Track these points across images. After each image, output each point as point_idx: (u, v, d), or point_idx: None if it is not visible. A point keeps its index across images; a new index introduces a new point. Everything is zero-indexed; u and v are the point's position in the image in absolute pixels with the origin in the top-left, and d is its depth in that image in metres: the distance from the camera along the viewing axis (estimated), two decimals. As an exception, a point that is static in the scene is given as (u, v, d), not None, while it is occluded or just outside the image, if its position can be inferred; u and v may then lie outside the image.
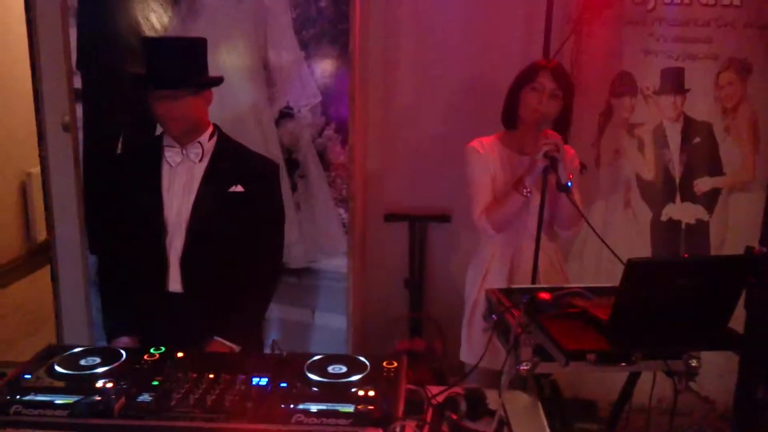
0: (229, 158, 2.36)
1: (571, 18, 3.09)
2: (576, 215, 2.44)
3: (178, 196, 2.30)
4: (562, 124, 2.54)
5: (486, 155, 2.60)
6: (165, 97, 2.21)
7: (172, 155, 2.31)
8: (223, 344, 2.25)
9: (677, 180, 3.20)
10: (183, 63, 2.24)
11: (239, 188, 2.31)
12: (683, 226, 3.23)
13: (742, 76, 3.11)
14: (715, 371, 2.99)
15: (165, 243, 2.30)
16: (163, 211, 2.29)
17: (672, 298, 1.72)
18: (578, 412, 3.23)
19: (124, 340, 2.32)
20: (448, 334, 3.39)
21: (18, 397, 1.71)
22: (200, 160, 2.32)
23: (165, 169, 2.32)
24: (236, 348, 2.27)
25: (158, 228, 2.30)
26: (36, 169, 5.15)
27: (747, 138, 3.16)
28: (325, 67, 3.09)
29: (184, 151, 2.31)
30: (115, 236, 2.42)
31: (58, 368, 1.85)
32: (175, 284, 2.32)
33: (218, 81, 2.37)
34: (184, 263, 2.30)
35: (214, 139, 2.36)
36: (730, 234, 3.20)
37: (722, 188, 3.20)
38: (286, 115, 3.13)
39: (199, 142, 2.32)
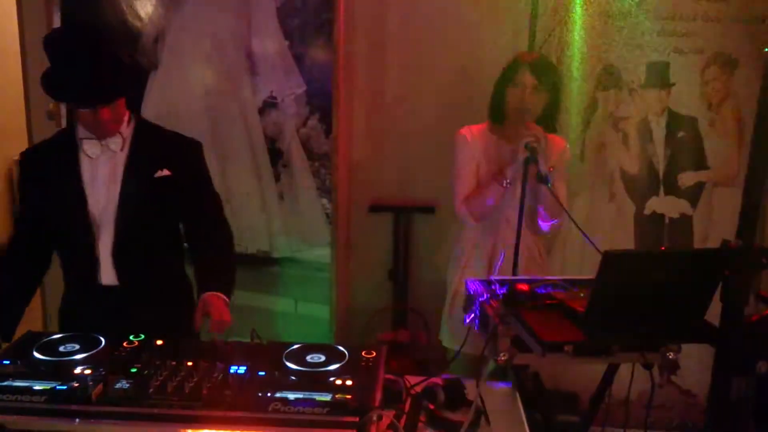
0: (151, 142, 2.26)
1: (557, 10, 3.09)
2: (557, 207, 2.45)
3: (103, 188, 2.20)
4: (549, 116, 2.55)
5: (473, 143, 2.60)
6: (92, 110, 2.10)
7: (90, 147, 2.18)
8: (217, 296, 2.16)
9: (661, 174, 3.21)
10: (103, 78, 2.07)
11: (166, 172, 2.22)
12: (667, 220, 3.25)
13: (727, 71, 3.13)
14: (697, 365, 3.02)
15: (94, 237, 2.20)
16: (87, 205, 2.19)
17: (648, 291, 1.73)
18: (560, 404, 3.25)
19: None
20: (432, 326, 3.40)
21: (-5, 383, 1.71)
22: (121, 149, 2.21)
23: (85, 163, 2.20)
24: (228, 299, 2.20)
25: (85, 223, 2.20)
26: (23, 157, 5.14)
27: (732, 133, 3.17)
28: (309, 56, 3.08)
29: (103, 142, 2.18)
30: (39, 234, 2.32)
31: (37, 354, 1.86)
32: (108, 278, 2.23)
33: (139, 75, 2.24)
34: (116, 256, 2.22)
35: (132, 124, 2.25)
36: (714, 228, 3.22)
37: (706, 182, 3.22)
38: (269, 104, 3.13)
39: (119, 131, 2.21)
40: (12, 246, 2.36)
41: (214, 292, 2.17)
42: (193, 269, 2.29)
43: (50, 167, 2.25)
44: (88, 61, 2.05)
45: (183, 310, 2.25)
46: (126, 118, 2.24)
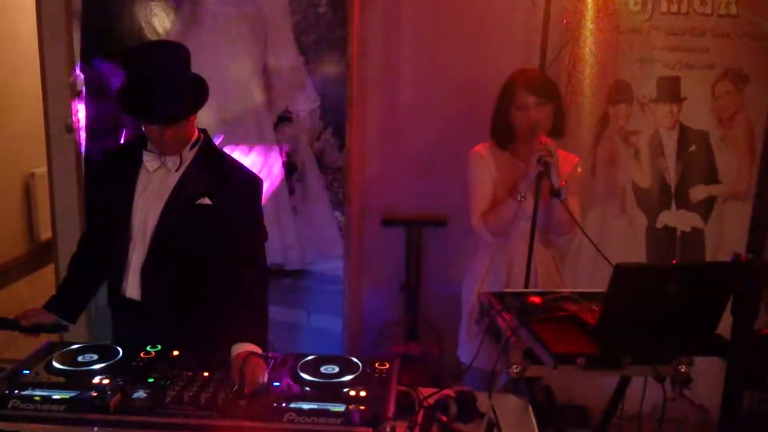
0: (205, 169, 2.22)
1: (568, 26, 3.11)
2: (570, 221, 2.46)
3: (149, 203, 2.19)
4: (557, 127, 2.56)
5: (488, 160, 2.62)
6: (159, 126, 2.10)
7: (149, 160, 2.19)
8: (254, 355, 1.94)
9: (673, 188, 3.22)
10: (174, 97, 2.08)
11: (206, 201, 2.17)
12: (678, 233, 3.26)
13: (738, 86, 3.14)
14: (711, 380, 3.00)
15: (128, 248, 2.20)
16: (131, 216, 2.19)
17: (660, 304, 1.74)
18: (571, 418, 3.24)
19: (36, 309, 2.22)
20: (444, 338, 3.42)
21: (16, 391, 1.75)
22: (177, 169, 2.20)
23: (142, 174, 2.21)
24: (260, 350, 2.03)
25: (124, 233, 2.19)
26: (39, 169, 5.19)
27: (743, 147, 3.18)
28: (323, 72, 3.12)
29: (162, 159, 2.19)
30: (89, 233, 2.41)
31: (56, 364, 1.89)
32: (132, 291, 2.21)
33: (206, 94, 2.19)
34: (144, 272, 2.19)
35: (196, 148, 2.23)
36: (726, 242, 3.22)
37: (718, 196, 3.22)
38: (284, 119, 3.16)
39: (181, 152, 2.20)
40: (81, 241, 2.40)
41: (250, 349, 1.97)
42: (223, 311, 2.14)
43: (113, 170, 2.27)
44: (161, 79, 2.06)
45: (197, 344, 2.10)
46: (193, 139, 2.22)
